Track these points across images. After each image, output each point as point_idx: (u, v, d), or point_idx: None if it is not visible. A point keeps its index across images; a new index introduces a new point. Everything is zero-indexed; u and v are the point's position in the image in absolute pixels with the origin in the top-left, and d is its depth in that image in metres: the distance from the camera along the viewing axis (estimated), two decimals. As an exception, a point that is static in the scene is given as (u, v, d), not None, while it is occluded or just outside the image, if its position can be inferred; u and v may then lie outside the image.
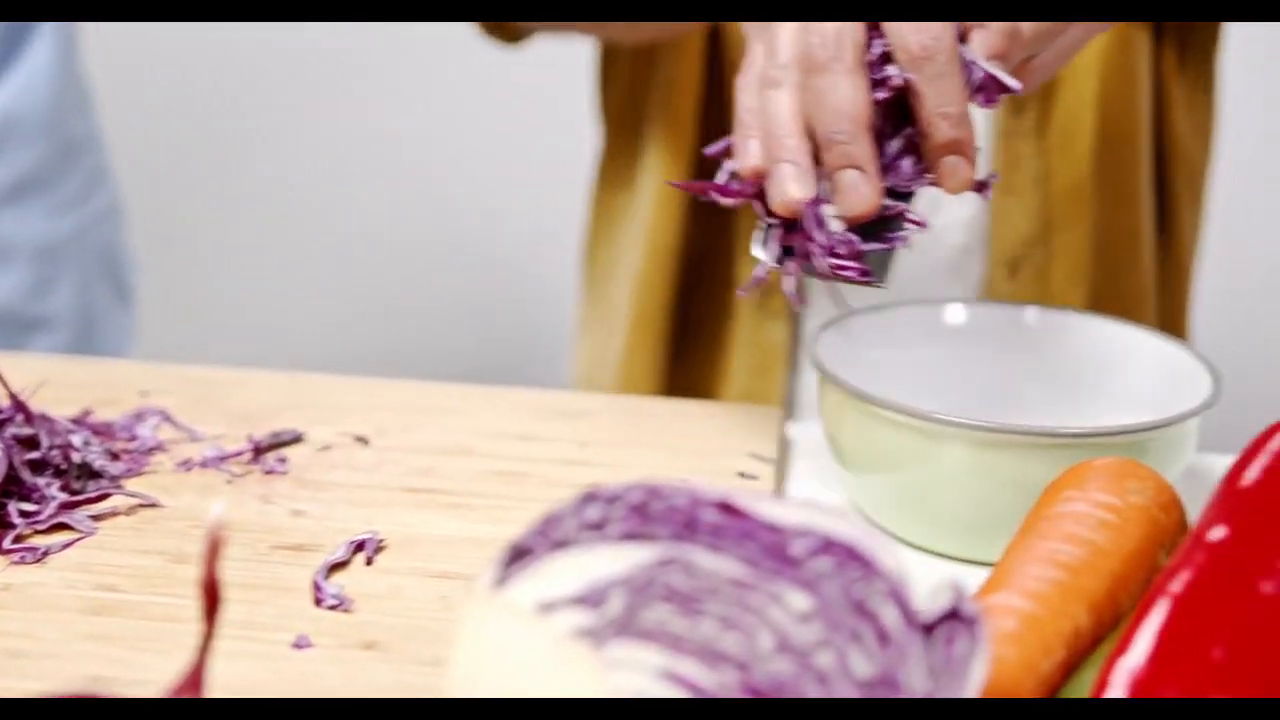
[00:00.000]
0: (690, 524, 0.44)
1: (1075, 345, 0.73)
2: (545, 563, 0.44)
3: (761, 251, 0.63)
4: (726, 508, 0.44)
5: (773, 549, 0.44)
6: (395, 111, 1.88)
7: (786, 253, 0.63)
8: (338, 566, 0.59)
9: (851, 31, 0.61)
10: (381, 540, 0.61)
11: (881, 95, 0.61)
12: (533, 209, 1.86)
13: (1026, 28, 0.62)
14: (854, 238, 0.61)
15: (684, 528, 0.44)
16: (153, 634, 0.54)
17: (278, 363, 0.96)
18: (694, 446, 0.72)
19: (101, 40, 1.48)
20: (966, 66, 0.62)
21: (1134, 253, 0.93)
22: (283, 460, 0.68)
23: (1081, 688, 0.47)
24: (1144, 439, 0.62)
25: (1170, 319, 0.98)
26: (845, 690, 0.42)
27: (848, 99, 0.60)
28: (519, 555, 0.44)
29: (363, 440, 0.71)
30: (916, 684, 0.41)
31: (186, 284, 1.92)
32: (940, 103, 0.60)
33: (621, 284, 0.96)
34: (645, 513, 0.44)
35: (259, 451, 0.68)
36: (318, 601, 0.57)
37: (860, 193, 0.60)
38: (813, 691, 0.42)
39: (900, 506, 0.66)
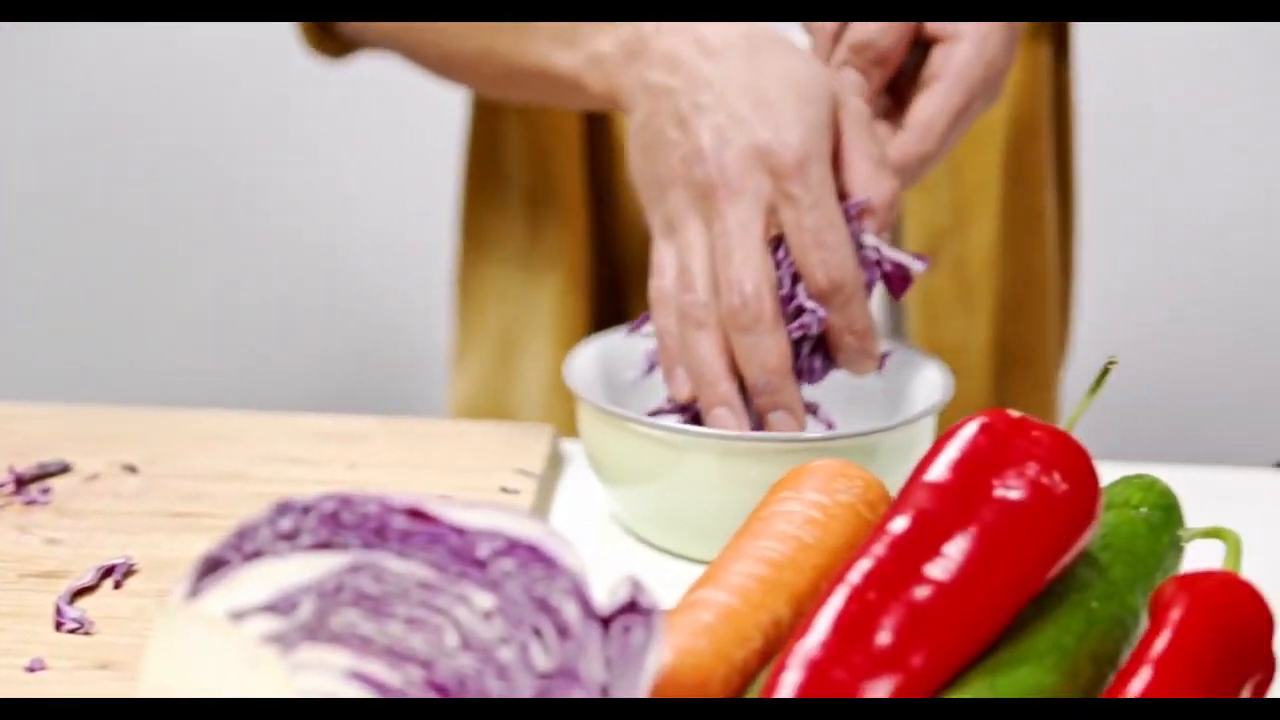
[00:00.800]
0: (380, 531, 0.46)
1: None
2: (239, 573, 0.45)
3: None
4: (416, 514, 0.46)
5: (460, 551, 0.46)
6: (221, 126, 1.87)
7: None
8: (85, 591, 0.60)
9: (767, 277, 0.65)
10: (133, 565, 0.62)
11: (798, 335, 0.66)
12: (397, 226, 1.85)
13: (914, 164, 0.69)
14: None
15: (374, 534, 0.46)
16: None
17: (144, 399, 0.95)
18: (463, 465, 0.74)
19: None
20: (870, 266, 0.67)
21: (1040, 234, 0.97)
22: (46, 491, 0.69)
23: (775, 675, 0.50)
24: (871, 442, 0.65)
25: (1066, 299, 1.02)
26: (526, 682, 0.44)
27: (774, 354, 0.65)
28: (213, 567, 0.46)
29: (131, 469, 0.72)
30: (594, 675, 0.44)
31: (21, 321, 1.90)
32: (849, 324, 0.66)
33: (509, 307, 0.97)
34: (337, 521, 0.46)
35: (21, 483, 0.69)
36: (58, 625, 0.57)
37: (787, 427, 0.66)
38: (494, 685, 0.44)
39: (655, 516, 0.68)
